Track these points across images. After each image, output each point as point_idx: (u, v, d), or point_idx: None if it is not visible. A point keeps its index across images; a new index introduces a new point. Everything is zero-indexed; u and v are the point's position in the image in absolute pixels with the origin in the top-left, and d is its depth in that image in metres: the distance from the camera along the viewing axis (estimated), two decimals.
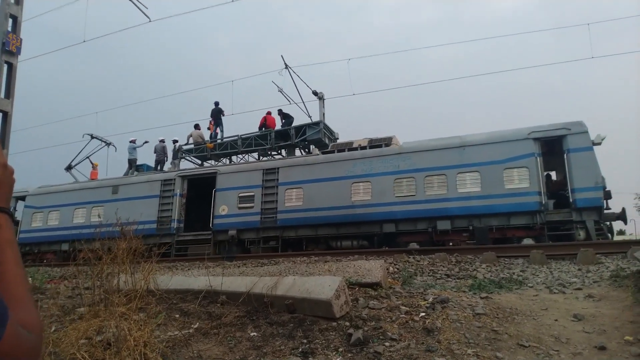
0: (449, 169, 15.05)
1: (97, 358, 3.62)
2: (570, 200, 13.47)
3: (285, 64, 21.40)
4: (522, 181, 14.04)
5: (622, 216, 13.60)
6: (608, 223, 13.83)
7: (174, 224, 18.60)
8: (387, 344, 4.06)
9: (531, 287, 6.50)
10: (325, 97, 21.98)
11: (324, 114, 21.52)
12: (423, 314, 4.53)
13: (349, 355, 3.96)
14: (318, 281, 4.81)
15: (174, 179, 19.69)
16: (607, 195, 13.63)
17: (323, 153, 18.30)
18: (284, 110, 21.50)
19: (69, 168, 24.45)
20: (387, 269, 8.65)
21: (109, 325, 4.03)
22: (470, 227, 14.44)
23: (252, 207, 17.83)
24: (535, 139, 14.28)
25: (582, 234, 12.98)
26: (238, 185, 18.47)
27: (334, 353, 4.04)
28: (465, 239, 14.55)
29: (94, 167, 24.71)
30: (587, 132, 13.77)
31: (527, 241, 13.40)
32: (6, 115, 11.49)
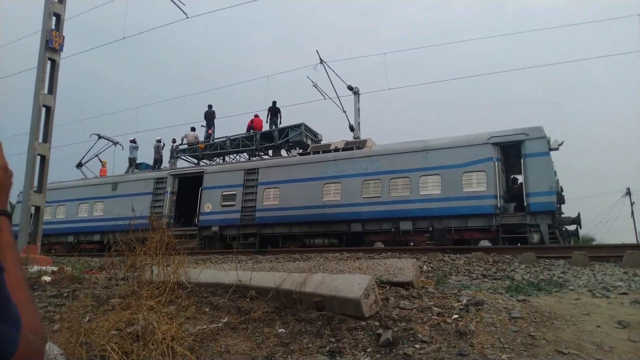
0: (412, 172, 14.32)
1: (126, 350, 3.13)
2: (525, 204, 12.82)
3: (320, 58, 19.45)
4: (479, 185, 13.26)
5: (577, 220, 12.91)
6: (564, 228, 13.14)
7: (165, 220, 17.44)
8: (417, 346, 3.40)
9: (572, 290, 5.51)
10: (360, 92, 20.19)
11: (359, 109, 19.91)
12: (456, 316, 3.86)
13: (378, 356, 3.32)
14: (347, 279, 4.11)
15: (166, 178, 18.69)
16: (561, 200, 13.02)
17: (300, 155, 17.54)
18: (277, 105, 20.00)
19: (79, 165, 23.43)
20: (420, 268, 7.71)
21: (137, 318, 3.53)
22: (430, 228, 13.72)
23: (233, 205, 17.07)
24: (494, 144, 13.46)
25: (535, 238, 12.27)
26: (222, 184, 17.68)
27: (362, 353, 3.39)
28: (426, 239, 13.83)
29: (103, 164, 23.65)
30: (544, 137, 13.03)
31: (484, 243, 12.72)
32: (49, 110, 10.69)
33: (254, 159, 19.43)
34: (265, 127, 19.87)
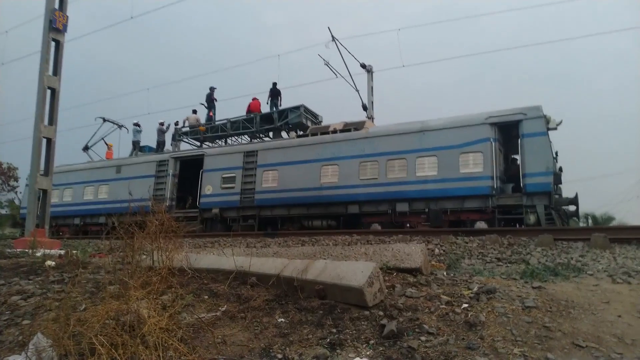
0: (409, 154, 13.81)
1: (115, 343, 2.81)
2: (521, 184, 12.33)
3: (332, 35, 18.36)
4: (476, 166, 12.72)
5: (574, 201, 12.40)
6: (564, 208, 12.66)
7: (167, 202, 17.11)
8: (423, 338, 3.07)
9: (591, 275, 4.99)
10: (374, 70, 19.18)
11: (372, 87, 19.00)
12: (466, 305, 3.51)
13: (381, 349, 3.00)
14: (350, 266, 3.77)
15: (168, 160, 18.29)
16: (558, 180, 12.48)
17: (299, 137, 17.09)
18: (277, 87, 19.28)
19: (86, 148, 23.08)
20: (432, 251, 7.36)
21: (127, 309, 3.21)
22: (426, 210, 13.31)
23: (233, 187, 16.72)
24: (491, 124, 12.87)
25: (532, 219, 11.81)
26: (222, 166, 17.31)
27: (364, 345, 3.07)
28: (422, 220, 13.44)
29: (109, 147, 23.21)
30: (542, 117, 12.41)
31: (480, 224, 12.23)
32: (54, 92, 10.33)
33: (255, 141, 18.93)
34: (266, 109, 19.29)
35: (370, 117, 18.39)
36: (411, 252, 4.48)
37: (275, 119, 18.43)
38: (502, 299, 3.62)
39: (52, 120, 10.29)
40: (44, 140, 10.22)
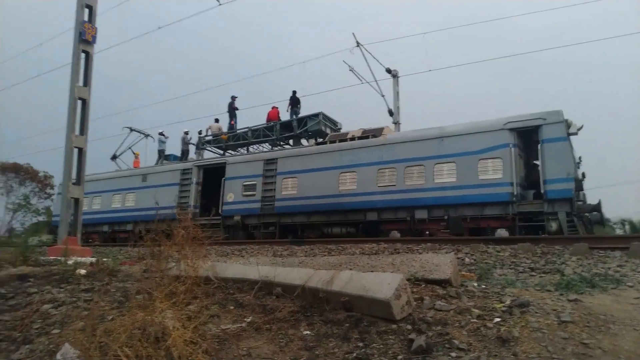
0: (427, 160, 13.49)
1: (140, 354, 2.74)
2: (542, 191, 11.88)
3: (356, 41, 18.07)
4: (495, 172, 12.35)
5: (597, 208, 11.89)
6: (587, 215, 12.14)
7: (191, 209, 17.14)
8: (453, 354, 2.89)
9: (631, 286, 4.59)
10: (399, 75, 18.71)
11: (398, 92, 18.55)
12: (498, 319, 3.31)
13: None
14: (377, 278, 3.61)
15: (191, 169, 18.40)
16: (579, 187, 11.96)
17: (317, 144, 16.97)
18: (297, 95, 19.19)
19: (114, 158, 23.39)
20: (462, 260, 7.10)
21: (152, 321, 3.13)
22: (446, 217, 12.94)
23: (254, 194, 16.66)
24: (510, 130, 12.44)
25: (553, 226, 11.32)
26: (243, 174, 17.27)
27: None
28: (442, 227, 13.07)
29: (136, 156, 23.53)
30: (562, 121, 11.96)
31: (501, 232, 11.85)
32: (85, 102, 10.23)
33: (276, 149, 18.88)
34: (286, 116, 19.26)
35: (397, 123, 18.03)
36: (440, 262, 4.28)
37: (294, 127, 18.36)
38: (536, 312, 3.40)
39: (83, 130, 10.34)
40: (75, 150, 10.23)
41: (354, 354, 3.01)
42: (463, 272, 5.35)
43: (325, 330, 3.41)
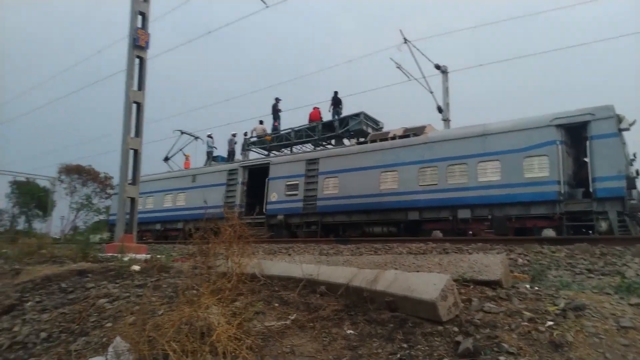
0: (470, 158, 12.97)
1: (186, 349, 2.73)
2: (591, 189, 11.17)
3: (404, 38, 17.64)
4: (542, 170, 11.70)
5: None
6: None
7: (237, 209, 17.42)
8: (502, 358, 2.68)
9: None
10: (449, 71, 18.07)
11: (447, 88, 17.99)
12: (551, 322, 3.06)
13: None
14: (422, 278, 3.45)
15: (237, 169, 18.71)
16: (632, 185, 11.09)
17: (358, 144, 16.80)
18: (338, 95, 19.10)
19: (166, 159, 24.21)
20: (514, 261, 6.76)
21: (197, 316, 3.13)
22: (490, 217, 12.39)
23: (296, 194, 16.68)
24: (557, 126, 11.73)
25: (603, 226, 10.59)
26: (286, 174, 17.36)
27: None
28: (486, 228, 12.51)
29: (187, 158, 24.26)
30: (613, 117, 11.17)
31: (548, 232, 11.21)
32: (140, 106, 10.57)
33: (318, 149, 18.86)
34: (328, 117, 19.25)
35: (447, 120, 17.46)
36: (490, 263, 4.03)
37: (336, 127, 18.30)
38: (593, 316, 3.12)
39: (138, 133, 10.61)
40: (131, 152, 10.48)
41: (398, 355, 2.87)
42: (515, 274, 5.05)
43: (369, 330, 3.28)
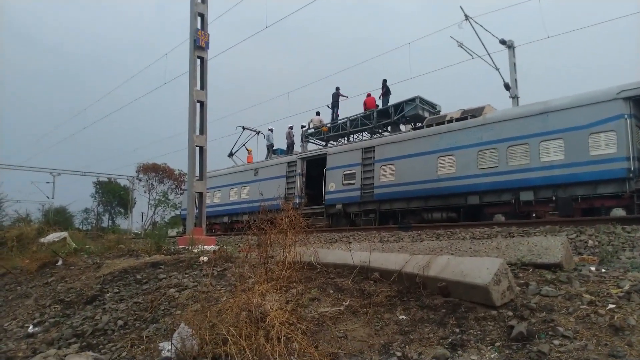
0: (531, 138, 12.17)
1: (244, 334, 2.85)
2: None
3: (465, 14, 16.53)
4: (608, 146, 10.77)
5: None
6: None
7: (297, 199, 17.72)
8: (556, 342, 2.58)
9: None
10: (515, 45, 16.77)
11: (514, 64, 16.72)
12: (612, 305, 2.89)
13: (507, 352, 2.59)
14: (475, 263, 3.37)
15: (296, 161, 18.98)
16: None
17: (414, 129, 16.34)
18: (387, 83, 18.66)
19: (230, 155, 24.84)
20: (585, 243, 6.43)
21: (255, 303, 3.27)
22: (554, 198, 11.59)
23: (353, 183, 16.59)
24: (625, 99, 10.69)
25: None
26: (342, 164, 17.30)
27: (488, 347, 2.69)
28: (550, 209, 11.72)
29: (249, 152, 24.73)
30: None
31: (617, 211, 10.37)
32: (203, 105, 10.85)
33: (375, 136, 18.56)
34: (379, 105, 18.86)
35: (515, 97, 16.34)
36: (550, 245, 3.82)
37: (391, 113, 17.87)
38: None
39: (203, 130, 10.91)
40: (197, 149, 10.75)
41: (449, 340, 2.86)
42: (584, 256, 4.75)
43: (421, 315, 3.28)
